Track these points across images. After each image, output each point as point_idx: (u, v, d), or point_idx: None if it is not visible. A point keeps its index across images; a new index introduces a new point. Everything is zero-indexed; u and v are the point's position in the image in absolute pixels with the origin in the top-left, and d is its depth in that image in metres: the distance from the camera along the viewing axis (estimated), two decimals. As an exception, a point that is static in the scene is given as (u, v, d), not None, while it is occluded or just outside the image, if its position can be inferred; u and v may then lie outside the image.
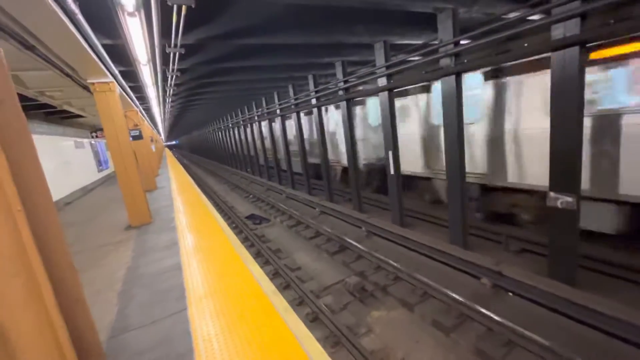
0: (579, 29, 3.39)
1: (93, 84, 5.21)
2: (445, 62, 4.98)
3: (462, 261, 4.94)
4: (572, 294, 3.72)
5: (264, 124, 14.85)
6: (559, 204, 3.93)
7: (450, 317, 3.97)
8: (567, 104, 3.64)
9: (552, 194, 4.01)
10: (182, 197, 8.38)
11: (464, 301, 4.06)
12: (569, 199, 3.85)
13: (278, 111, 11.89)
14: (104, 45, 4.24)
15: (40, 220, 1.47)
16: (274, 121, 13.78)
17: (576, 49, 3.43)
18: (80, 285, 1.77)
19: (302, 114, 11.33)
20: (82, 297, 1.76)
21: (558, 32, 3.57)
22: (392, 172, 6.66)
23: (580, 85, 3.54)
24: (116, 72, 5.39)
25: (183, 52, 4.85)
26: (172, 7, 3.34)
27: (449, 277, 4.86)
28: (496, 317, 3.69)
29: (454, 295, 4.20)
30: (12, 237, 1.24)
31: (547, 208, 4.06)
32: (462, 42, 4.85)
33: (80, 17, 3.01)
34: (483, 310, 3.84)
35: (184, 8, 3.34)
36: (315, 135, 10.75)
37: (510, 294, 4.29)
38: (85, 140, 13.55)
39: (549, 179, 4.03)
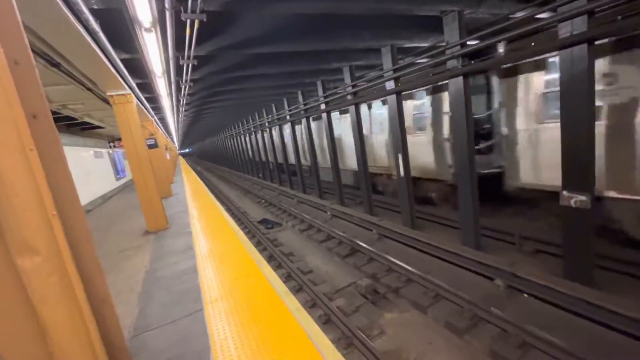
0: (586, 26, 3.38)
1: (112, 96, 5.47)
2: (452, 63, 5.00)
3: (475, 262, 4.90)
4: (589, 294, 3.65)
5: (275, 129, 15.07)
6: (572, 203, 3.88)
7: (464, 319, 3.95)
8: (577, 102, 3.62)
9: (565, 192, 3.96)
10: (196, 203, 8.60)
11: (477, 302, 4.03)
12: (583, 198, 3.79)
13: (288, 117, 12.07)
14: (122, 60, 4.47)
15: (71, 223, 1.60)
16: (284, 126, 13.98)
17: (584, 46, 3.41)
18: (107, 285, 1.89)
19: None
20: (109, 297, 1.88)
21: (565, 30, 3.56)
22: (402, 174, 6.67)
23: (590, 82, 3.51)
24: (133, 84, 5.64)
25: (196, 64, 5.04)
26: (186, 22, 3.52)
27: (461, 279, 4.82)
28: (510, 319, 3.66)
29: (466, 296, 4.18)
30: (48, 239, 1.37)
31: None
32: (469, 42, 4.88)
33: (101, 35, 3.21)
34: (497, 312, 3.81)
35: (196, 22, 3.51)
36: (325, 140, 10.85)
37: (525, 295, 4.23)
38: (104, 150, 14.07)
39: (561, 178, 3.99)
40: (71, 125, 10.88)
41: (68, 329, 1.40)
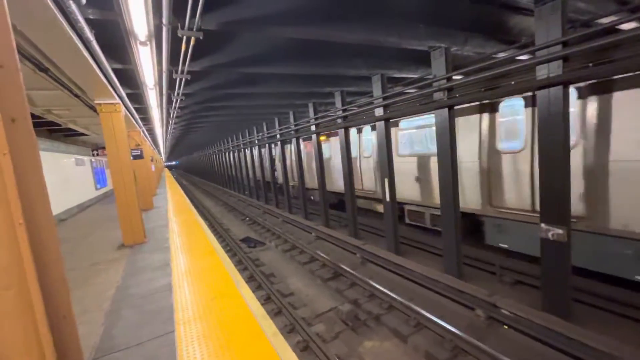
0: (562, 70, 3.63)
1: (100, 104, 5.39)
2: (438, 95, 5.22)
3: (457, 291, 4.89)
4: (566, 328, 3.67)
5: (264, 148, 15.10)
6: (550, 236, 3.99)
7: (444, 350, 3.88)
8: (553, 139, 3.81)
9: (543, 225, 4.07)
10: (177, 217, 8.36)
11: (458, 333, 3.98)
12: (560, 231, 3.91)
13: (278, 136, 12.16)
14: (114, 70, 4.46)
15: (40, 233, 1.51)
16: (274, 145, 14.04)
17: (560, 88, 3.64)
18: (70, 302, 1.77)
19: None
20: (71, 314, 1.75)
21: (542, 72, 3.81)
22: (387, 199, 6.73)
23: (565, 121, 3.72)
24: (123, 94, 5.60)
25: (189, 78, 5.08)
26: (182, 38, 3.57)
27: (443, 307, 4.78)
28: (491, 351, 3.62)
29: (448, 326, 4.12)
30: (10, 250, 1.28)
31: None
32: (454, 77, 5.13)
33: (95, 44, 3.21)
34: (477, 343, 3.77)
35: (192, 39, 3.57)
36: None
37: (505, 326, 4.21)
38: (86, 158, 13.68)
39: (540, 211, 4.11)
40: (54, 131, 10.59)
41: (20, 349, 1.29)
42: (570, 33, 3.57)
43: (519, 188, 5.39)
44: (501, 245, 5.81)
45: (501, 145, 5.69)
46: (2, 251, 1.26)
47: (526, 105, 5.25)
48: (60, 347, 1.64)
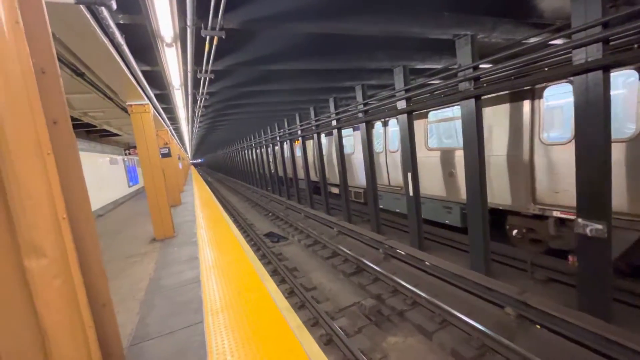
0: (601, 54, 3.36)
1: (131, 105, 5.67)
2: (464, 85, 5.02)
3: (485, 288, 4.72)
4: (605, 329, 3.45)
5: (286, 143, 15.26)
6: (588, 232, 3.75)
7: (471, 348, 3.78)
8: (592, 128, 3.56)
9: (580, 220, 3.84)
10: (204, 212, 8.67)
11: (486, 331, 3.86)
12: (599, 227, 3.66)
13: (299, 132, 12.23)
14: (142, 72, 4.66)
15: (80, 228, 1.63)
16: (295, 141, 14.15)
17: (599, 73, 3.39)
18: (109, 291, 1.90)
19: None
20: (110, 303, 1.88)
21: (580, 57, 3.55)
22: (410, 193, 6.60)
23: (606, 109, 3.46)
24: (152, 95, 5.85)
25: (213, 77, 5.21)
26: (205, 38, 3.66)
27: (470, 305, 4.65)
28: (522, 351, 3.48)
29: (475, 324, 4.01)
30: (56, 242, 1.39)
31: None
32: (481, 66, 4.91)
33: (125, 47, 3.37)
34: (507, 342, 3.64)
35: (215, 39, 3.65)
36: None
37: (538, 326, 4.03)
38: (119, 157, 14.46)
39: (576, 204, 3.88)
40: (91, 132, 11.28)
41: (67, 333, 1.40)
42: (612, 13, 3.30)
43: (382, 173, 9.30)
44: (380, 206, 9.14)
45: (375, 148, 9.50)
46: (50, 243, 1.37)
47: (383, 125, 9.14)
48: (101, 333, 1.76)
